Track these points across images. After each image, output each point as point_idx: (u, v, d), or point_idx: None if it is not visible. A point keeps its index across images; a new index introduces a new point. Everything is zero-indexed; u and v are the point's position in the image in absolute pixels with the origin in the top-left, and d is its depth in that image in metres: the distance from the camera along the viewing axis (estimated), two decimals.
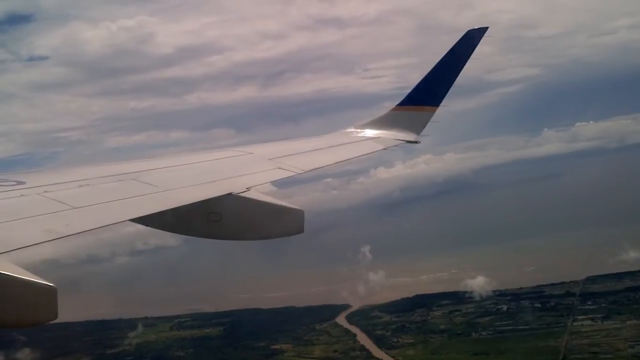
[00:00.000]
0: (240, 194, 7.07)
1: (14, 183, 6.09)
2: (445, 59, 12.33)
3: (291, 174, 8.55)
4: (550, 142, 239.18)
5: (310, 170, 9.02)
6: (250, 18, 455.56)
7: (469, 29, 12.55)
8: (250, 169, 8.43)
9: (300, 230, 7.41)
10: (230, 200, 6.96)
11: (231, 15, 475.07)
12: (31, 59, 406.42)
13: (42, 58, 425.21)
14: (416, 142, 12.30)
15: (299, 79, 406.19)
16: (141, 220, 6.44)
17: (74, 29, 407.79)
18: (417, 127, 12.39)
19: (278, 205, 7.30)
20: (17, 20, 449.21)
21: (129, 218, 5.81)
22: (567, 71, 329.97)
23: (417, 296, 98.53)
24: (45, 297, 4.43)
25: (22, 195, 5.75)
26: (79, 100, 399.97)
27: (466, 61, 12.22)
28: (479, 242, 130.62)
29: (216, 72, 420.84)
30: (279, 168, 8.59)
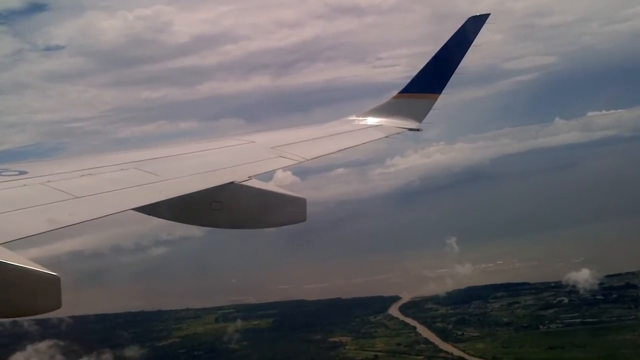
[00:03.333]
0: (242, 183, 7.00)
1: (16, 173, 6.08)
2: (446, 47, 12.06)
3: (293, 162, 8.48)
4: (564, 132, 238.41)
5: (312, 159, 8.91)
6: (268, 6, 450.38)
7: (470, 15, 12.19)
8: (252, 158, 8.35)
9: (302, 218, 7.21)
10: (232, 189, 6.92)
11: (249, 3, 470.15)
12: (48, 48, 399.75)
13: (59, 48, 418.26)
14: (418, 129, 12.14)
15: (311, 68, 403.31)
16: (143, 209, 6.31)
17: (91, 18, 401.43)
18: (419, 115, 12.29)
19: (280, 193, 7.19)
20: (34, 9, 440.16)
21: (131, 207, 5.77)
22: (579, 59, 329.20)
23: (469, 288, 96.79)
24: (49, 286, 4.38)
25: (24, 185, 5.73)
26: (93, 90, 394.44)
27: (468, 48, 11.95)
28: (513, 233, 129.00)
29: (230, 62, 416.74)
30: (281, 156, 8.49)
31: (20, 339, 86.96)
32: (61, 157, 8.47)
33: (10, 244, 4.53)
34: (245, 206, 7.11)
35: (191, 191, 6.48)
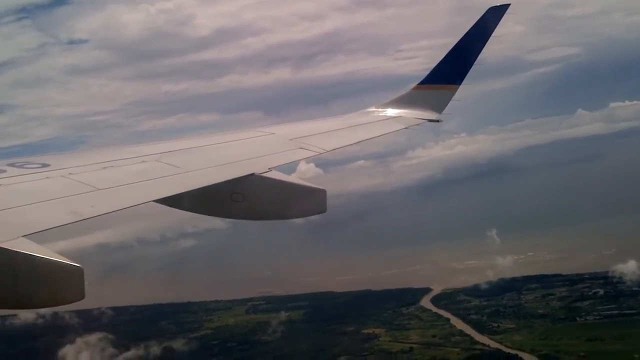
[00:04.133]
0: (263, 174, 7.01)
1: (39, 165, 6.13)
2: (466, 37, 11.93)
3: (313, 153, 8.49)
4: (586, 123, 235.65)
5: (332, 150, 8.89)
6: None
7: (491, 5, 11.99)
8: (272, 150, 8.34)
9: (323, 209, 7.16)
10: (252, 181, 6.93)
11: None
12: (71, 42, 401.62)
13: (82, 41, 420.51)
14: (438, 120, 12.02)
15: (331, 60, 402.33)
16: (164, 201, 6.29)
17: (113, 12, 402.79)
18: (439, 106, 12.16)
19: (300, 185, 7.19)
20: (57, 3, 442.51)
21: (152, 199, 5.79)
22: (601, 50, 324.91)
23: (501, 280, 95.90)
24: (72, 277, 4.39)
25: (47, 177, 5.79)
26: (114, 83, 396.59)
27: (488, 39, 11.80)
28: (540, 224, 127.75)
29: (251, 55, 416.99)
30: (301, 148, 8.49)
31: (56, 331, 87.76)
32: (83, 150, 8.59)
33: (33, 236, 4.53)
34: (265, 198, 7.12)
35: (212, 183, 6.52)
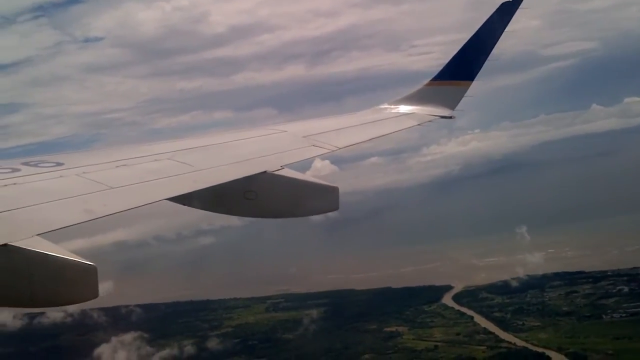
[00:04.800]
0: (275, 172, 7.01)
1: (53, 164, 6.18)
2: (479, 33, 11.81)
3: (325, 151, 8.47)
4: (601, 118, 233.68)
5: (344, 147, 8.85)
6: None
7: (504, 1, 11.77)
8: (285, 147, 8.31)
9: (335, 207, 7.20)
10: (265, 179, 6.95)
11: None
12: (86, 40, 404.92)
13: (97, 39, 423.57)
14: (450, 117, 11.96)
15: (346, 57, 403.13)
16: (177, 199, 6.31)
17: (129, 10, 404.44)
18: (452, 103, 12.10)
19: (313, 182, 7.16)
20: (74, 0, 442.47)
21: (165, 197, 5.84)
22: (617, 45, 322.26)
23: (523, 277, 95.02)
24: (86, 276, 4.42)
25: (61, 176, 5.84)
26: (130, 81, 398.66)
27: (501, 34, 11.67)
28: (560, 221, 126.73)
29: (265, 51, 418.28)
30: (314, 145, 8.51)
31: (74, 329, 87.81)
32: (98, 148, 8.54)
33: (48, 235, 4.53)
34: (278, 195, 7.14)
35: (225, 181, 6.55)
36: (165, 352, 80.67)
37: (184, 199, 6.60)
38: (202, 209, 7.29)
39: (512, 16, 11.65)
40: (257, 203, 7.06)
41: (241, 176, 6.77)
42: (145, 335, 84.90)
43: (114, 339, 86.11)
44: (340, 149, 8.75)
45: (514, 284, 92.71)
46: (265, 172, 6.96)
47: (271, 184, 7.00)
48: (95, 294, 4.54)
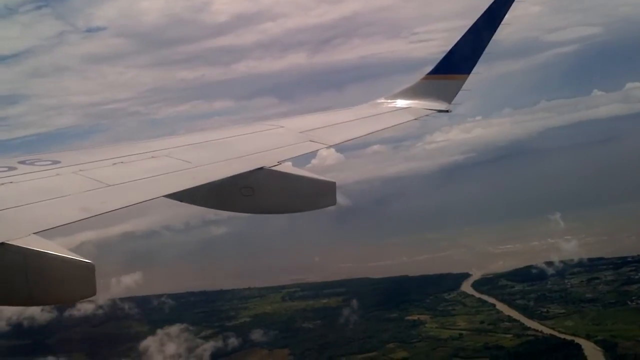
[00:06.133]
0: (272, 168, 6.97)
1: (49, 162, 6.19)
2: (476, 25, 11.65)
3: (322, 146, 8.56)
4: (603, 104, 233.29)
5: (341, 143, 9.01)
6: None
7: None
8: (281, 143, 8.30)
9: (332, 202, 7.08)
10: (262, 175, 6.91)
11: None
12: (89, 30, 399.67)
13: (100, 29, 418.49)
14: (447, 111, 12.02)
15: (347, 44, 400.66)
16: (175, 196, 6.32)
17: None
18: (448, 96, 12.14)
19: (310, 178, 7.10)
20: None
21: (163, 194, 5.84)
22: (618, 30, 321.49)
23: (542, 264, 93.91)
24: (84, 273, 4.42)
25: (57, 174, 5.84)
26: (131, 71, 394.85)
27: (497, 26, 11.47)
28: (571, 207, 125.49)
29: (268, 40, 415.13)
30: (310, 141, 8.55)
31: (88, 321, 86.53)
32: (99, 139, 8.73)
33: (45, 233, 4.54)
34: (275, 191, 7.09)
35: (222, 177, 6.54)
36: (189, 343, 79.53)
37: (181, 196, 6.58)
38: (199, 205, 7.25)
39: (509, 7, 11.46)
40: (254, 199, 7.00)
41: (238, 172, 6.74)
42: (163, 325, 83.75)
43: (131, 331, 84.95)
44: (337, 144, 8.81)
45: (533, 271, 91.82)
46: (262, 168, 6.92)
47: (268, 180, 6.96)
48: (93, 292, 4.48)
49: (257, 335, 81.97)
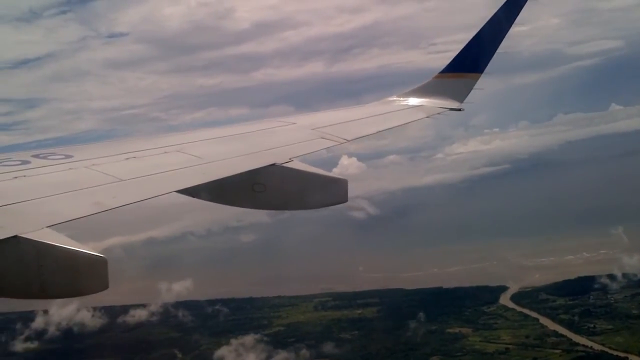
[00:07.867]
0: (284, 165, 6.99)
1: (62, 157, 6.24)
2: (488, 25, 11.72)
3: (334, 143, 8.52)
4: (622, 118, 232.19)
5: (353, 140, 8.87)
6: None
7: None
8: (294, 139, 8.35)
9: (344, 199, 7.09)
10: (274, 171, 6.94)
11: None
12: (111, 35, 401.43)
13: (122, 35, 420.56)
14: (459, 109, 11.91)
15: (366, 54, 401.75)
16: (186, 191, 6.28)
17: (155, 5, 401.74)
18: (460, 95, 12.05)
19: (322, 175, 7.11)
20: None
21: (174, 190, 5.88)
22: (638, 44, 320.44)
23: (580, 278, 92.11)
24: (96, 267, 4.46)
25: (70, 168, 5.89)
26: (151, 77, 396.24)
27: (510, 27, 11.56)
28: (602, 221, 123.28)
29: (288, 48, 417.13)
30: (322, 138, 8.53)
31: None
32: (106, 141, 8.30)
33: (58, 227, 4.51)
34: (287, 188, 7.07)
35: (233, 173, 6.54)
36: (225, 350, 77.42)
37: (193, 191, 6.47)
38: (211, 201, 7.13)
39: (521, 8, 11.42)
40: (265, 195, 6.96)
41: (250, 168, 6.69)
42: (195, 332, 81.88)
43: (163, 338, 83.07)
44: (349, 141, 8.66)
45: (573, 284, 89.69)
46: (274, 164, 6.89)
47: (280, 177, 6.92)
48: (105, 286, 4.47)
49: (292, 345, 79.78)
